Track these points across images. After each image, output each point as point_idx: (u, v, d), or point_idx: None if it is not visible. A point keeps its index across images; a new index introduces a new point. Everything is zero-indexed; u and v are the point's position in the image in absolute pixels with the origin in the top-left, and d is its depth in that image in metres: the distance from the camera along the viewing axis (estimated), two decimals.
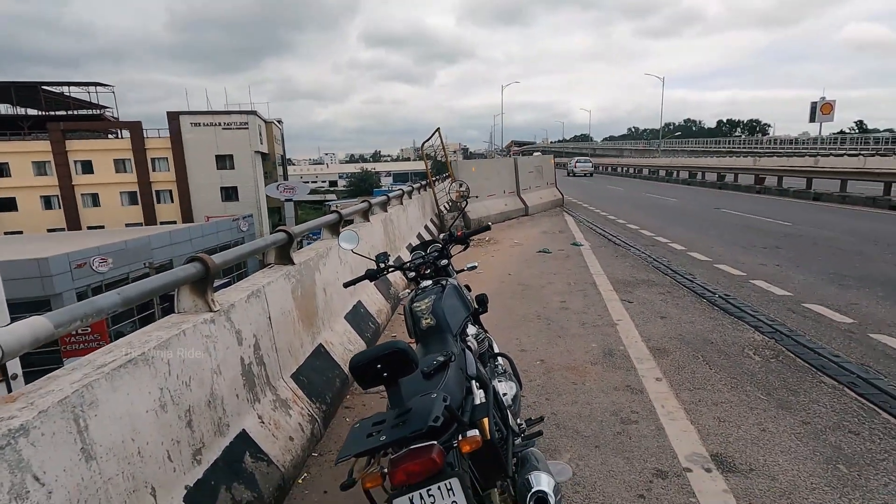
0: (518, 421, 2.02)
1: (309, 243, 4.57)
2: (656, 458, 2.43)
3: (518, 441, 1.80)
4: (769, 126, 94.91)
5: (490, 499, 1.53)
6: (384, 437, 1.29)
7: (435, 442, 1.31)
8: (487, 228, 2.99)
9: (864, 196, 13.71)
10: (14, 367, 12.08)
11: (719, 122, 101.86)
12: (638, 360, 3.58)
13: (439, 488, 1.28)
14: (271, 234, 3.01)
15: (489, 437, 1.42)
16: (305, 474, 2.48)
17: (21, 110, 42.15)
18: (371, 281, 2.53)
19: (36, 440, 1.28)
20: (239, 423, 2.21)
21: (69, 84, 41.13)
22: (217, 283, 2.33)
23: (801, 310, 4.58)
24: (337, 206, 4.64)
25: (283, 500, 2.25)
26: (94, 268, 23.46)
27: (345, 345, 3.58)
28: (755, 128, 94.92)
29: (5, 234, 35.41)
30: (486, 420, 1.45)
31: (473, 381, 1.75)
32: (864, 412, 2.75)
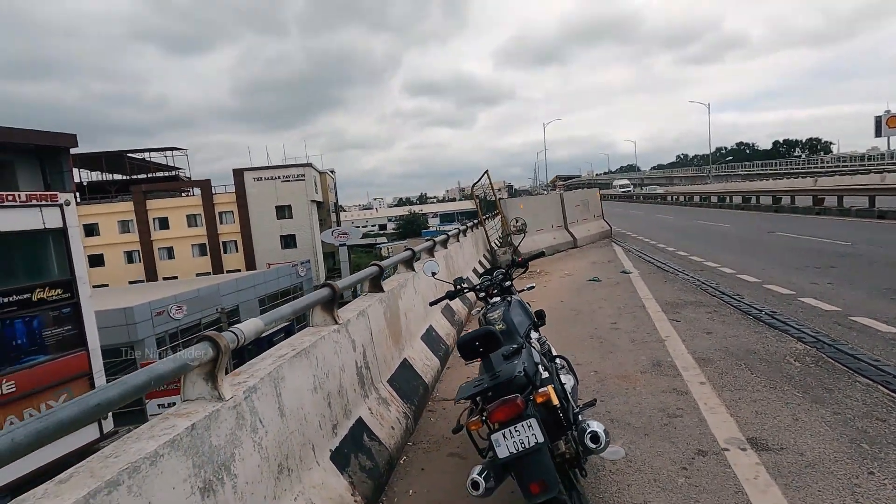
0: (576, 403, 2.56)
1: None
2: (698, 441, 2.87)
3: (576, 410, 2.34)
4: (832, 144, 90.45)
5: (558, 447, 2.09)
6: (485, 385, 1.91)
7: (518, 395, 1.91)
8: (542, 254, 3.61)
9: None
10: (107, 424, 13.45)
11: (775, 142, 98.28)
12: (684, 369, 3.99)
13: (523, 425, 1.86)
14: (367, 267, 3.75)
15: (554, 397, 2.00)
16: (405, 457, 3.09)
17: (108, 176, 47.42)
18: (451, 300, 3.19)
19: (260, 396, 1.99)
20: (357, 412, 2.87)
21: (150, 150, 45.98)
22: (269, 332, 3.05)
23: (847, 322, 4.80)
24: (389, 248, 5.39)
25: (391, 473, 2.86)
26: (171, 315, 25.63)
27: (423, 360, 4.22)
28: (816, 146, 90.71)
29: (94, 287, 39.33)
30: (552, 387, 2.04)
31: (539, 365, 2.34)
32: (892, 404, 3.06)
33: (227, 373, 1.97)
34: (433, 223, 71.76)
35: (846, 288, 6.21)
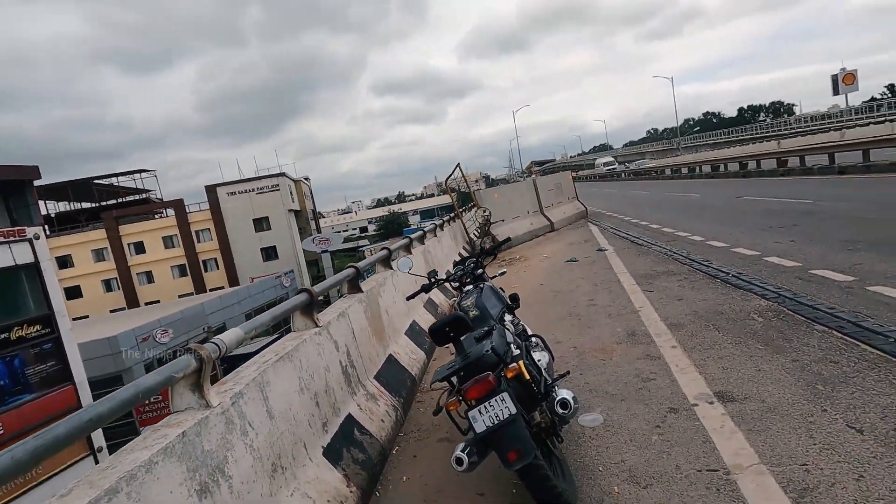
0: (550, 377, 2.72)
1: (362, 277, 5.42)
2: (670, 400, 3.05)
3: (549, 381, 2.49)
4: (794, 106, 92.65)
5: (534, 418, 2.23)
6: (457, 366, 2.04)
7: (489, 372, 2.04)
8: (508, 240, 3.75)
9: (888, 163, 13.72)
10: (98, 440, 13.33)
11: (740, 109, 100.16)
12: (657, 335, 4.18)
13: (496, 400, 2.00)
14: (344, 269, 3.85)
15: (524, 371, 2.14)
16: (397, 447, 3.21)
17: (77, 205, 46.26)
18: (426, 292, 3.31)
19: (247, 401, 2.09)
20: (346, 409, 2.98)
21: (117, 175, 44.97)
22: (255, 345, 3.15)
23: (807, 276, 5.06)
24: (372, 249, 5.50)
25: (384, 463, 2.99)
26: (157, 339, 25.29)
27: (409, 354, 4.34)
28: (779, 109, 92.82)
29: (74, 320, 38.48)
30: (521, 362, 2.18)
31: (511, 344, 2.49)
32: (845, 346, 3.28)
33: (213, 382, 2.06)
34: (414, 221, 71.75)
35: (807, 244, 6.51)
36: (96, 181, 43.58)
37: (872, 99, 56.19)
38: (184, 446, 1.69)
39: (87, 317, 36.95)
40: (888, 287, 4.27)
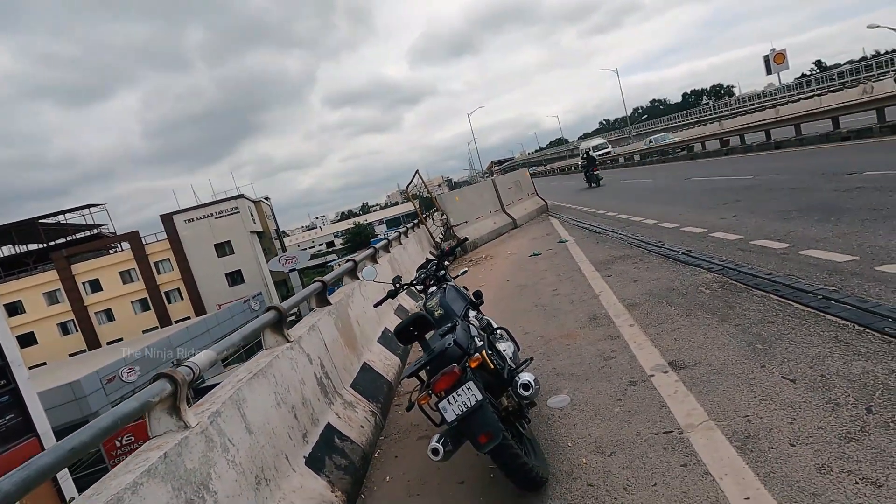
0: (515, 364, 2.88)
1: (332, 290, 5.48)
2: (629, 374, 3.27)
3: (513, 367, 2.65)
4: (733, 87, 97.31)
5: (501, 403, 2.39)
6: (423, 361, 2.17)
7: (454, 364, 2.18)
8: (465, 240, 3.92)
9: (818, 135, 14.70)
10: (70, 490, 12.78)
11: (684, 94, 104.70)
12: (616, 316, 4.43)
13: (463, 389, 2.14)
14: (310, 284, 3.92)
15: (486, 360, 2.29)
16: (378, 450, 3.31)
17: (22, 247, 43.89)
18: (392, 298, 3.43)
19: (225, 419, 2.16)
20: (324, 418, 3.06)
21: (64, 212, 42.93)
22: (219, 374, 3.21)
23: (748, 247, 5.44)
24: (340, 263, 5.57)
25: (367, 467, 3.08)
26: (123, 379, 24.28)
27: (383, 361, 4.44)
28: (720, 92, 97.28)
29: (30, 368, 36.43)
30: (483, 352, 2.33)
31: (475, 337, 2.64)
32: (780, 307, 3.60)
33: (189, 404, 2.12)
34: (380, 230, 71.40)
35: (748, 217, 6.96)
36: (42, 221, 41.48)
37: (803, 76, 59.73)
38: (166, 467, 1.75)
39: (44, 364, 35.08)
40: (817, 250, 4.66)
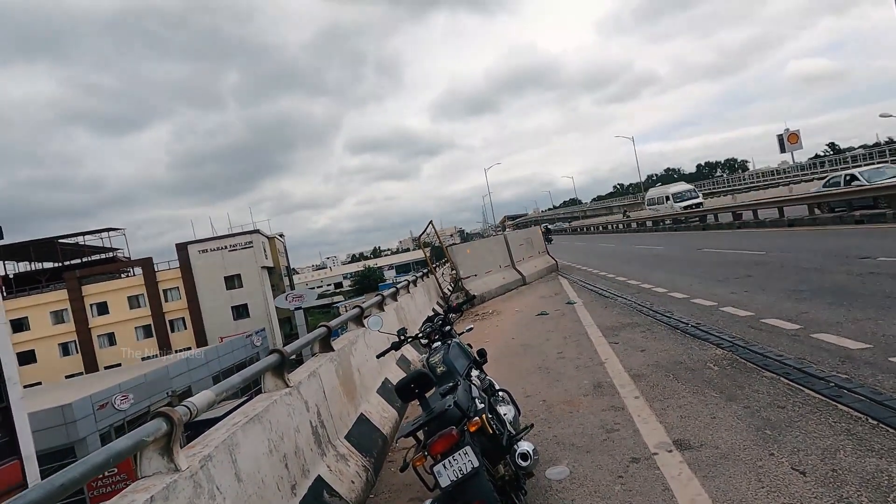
0: (516, 430, 2.81)
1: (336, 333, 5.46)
2: (632, 450, 3.16)
3: (513, 434, 2.58)
4: (747, 162, 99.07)
5: (498, 471, 2.32)
6: (421, 420, 2.13)
7: (453, 426, 2.15)
8: (473, 297, 3.96)
9: (831, 216, 14.77)
10: None
11: (698, 165, 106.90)
12: (621, 387, 4.34)
13: (460, 454, 2.09)
14: (315, 329, 3.92)
15: (486, 425, 2.25)
16: None
17: (38, 265, 44.62)
18: (396, 350, 3.41)
19: (215, 464, 2.12)
20: (315, 470, 2.98)
21: (83, 234, 43.91)
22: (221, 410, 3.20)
23: (758, 325, 5.37)
24: (346, 305, 5.59)
25: None
26: (115, 406, 23.85)
27: (380, 413, 4.35)
28: (734, 166, 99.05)
29: (25, 387, 36.02)
30: (483, 416, 2.29)
31: (476, 399, 2.60)
32: (791, 392, 3.50)
33: (182, 446, 2.09)
34: (389, 275, 71.63)
35: (759, 294, 6.91)
36: (61, 240, 42.39)
37: (816, 156, 60.76)
38: None
39: (39, 383, 34.72)
40: (830, 334, 4.58)
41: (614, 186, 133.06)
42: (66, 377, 36.34)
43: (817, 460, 2.63)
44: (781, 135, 52.23)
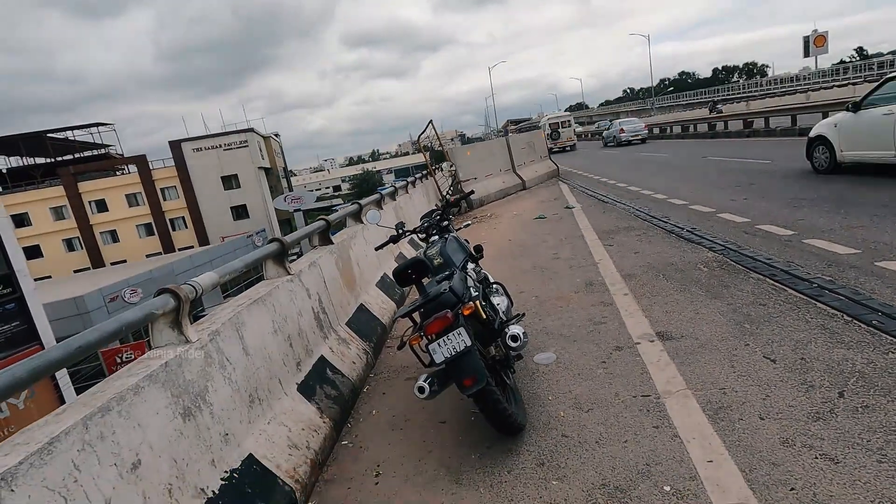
0: (507, 316, 2.96)
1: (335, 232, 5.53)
2: (616, 340, 3.36)
3: (504, 320, 2.73)
4: (767, 67, 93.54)
5: (489, 352, 2.48)
6: (418, 303, 2.24)
7: (448, 310, 2.25)
8: (471, 193, 3.92)
9: None
10: (71, 397, 13.35)
11: (714, 70, 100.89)
12: (611, 285, 4.49)
13: (454, 334, 2.22)
14: (314, 222, 3.96)
15: (479, 310, 2.36)
16: (368, 386, 3.46)
17: (30, 160, 43.80)
18: (394, 243, 3.48)
19: (223, 339, 2.25)
20: (318, 350, 3.18)
21: (72, 128, 42.49)
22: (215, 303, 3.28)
23: (753, 230, 5.43)
24: (348, 204, 5.59)
25: (355, 400, 3.23)
26: (125, 299, 24.87)
27: (379, 304, 4.54)
28: (752, 71, 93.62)
29: (36, 280, 37.22)
30: (477, 301, 2.39)
31: (471, 288, 2.70)
32: (774, 291, 3.64)
33: (191, 322, 2.21)
34: (388, 179, 70.83)
35: (759, 201, 6.89)
36: (50, 135, 41.17)
37: (841, 62, 57.16)
38: (167, 375, 1.85)
39: (49, 277, 35.85)
40: (822, 240, 4.65)
41: (624, 91, 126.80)
42: (75, 271, 37.41)
43: (788, 350, 2.80)
44: (808, 37, 48.64)
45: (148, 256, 37.71)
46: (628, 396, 2.67)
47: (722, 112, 22.16)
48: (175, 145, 39.53)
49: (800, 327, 3.04)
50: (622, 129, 26.35)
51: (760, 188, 7.87)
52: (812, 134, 8.47)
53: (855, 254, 4.12)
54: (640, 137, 25.75)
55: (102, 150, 45.60)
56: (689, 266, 4.61)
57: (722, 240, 5.23)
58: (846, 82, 33.57)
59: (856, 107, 7.40)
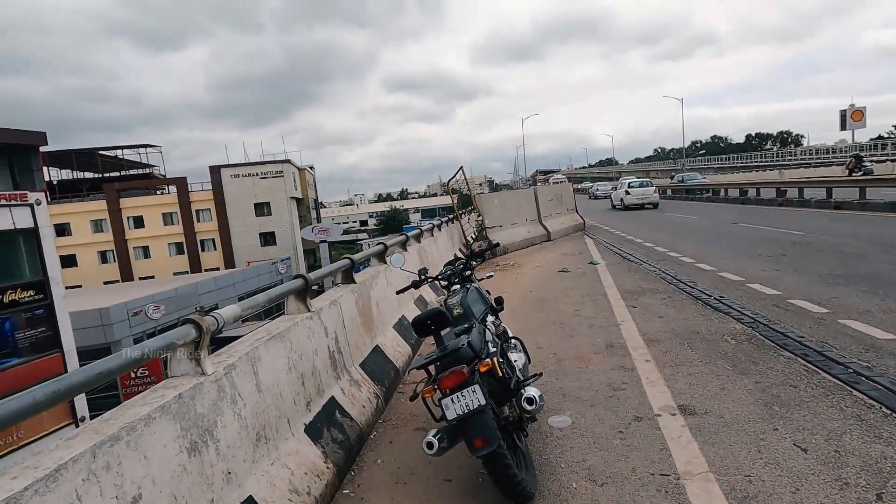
0: (524, 376, 2.89)
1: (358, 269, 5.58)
2: (636, 409, 3.23)
3: (521, 379, 2.65)
4: (802, 137, 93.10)
5: (503, 412, 2.40)
6: (434, 356, 2.21)
7: (465, 365, 2.21)
8: (497, 245, 3.93)
9: (883, 202, 13.94)
10: (82, 409, 13.46)
11: (748, 136, 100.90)
12: (633, 349, 4.36)
13: (468, 391, 2.17)
14: (339, 260, 4.01)
15: (496, 367, 2.31)
16: (375, 433, 3.38)
17: (80, 174, 46.27)
18: (416, 288, 3.48)
19: (238, 373, 2.26)
20: (330, 391, 3.15)
21: (122, 147, 44.97)
22: (235, 330, 3.31)
23: (784, 305, 5.25)
24: (370, 243, 5.67)
25: (362, 446, 3.15)
26: (148, 315, 25.35)
27: (395, 347, 4.51)
28: (787, 139, 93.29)
29: (67, 288, 38.44)
30: (494, 358, 2.35)
31: (489, 343, 2.66)
32: (806, 373, 3.47)
33: (209, 353, 2.22)
34: (415, 218, 71.89)
35: (791, 274, 6.70)
36: (101, 152, 43.60)
37: (879, 137, 56.55)
38: (179, 407, 1.85)
39: (80, 286, 36.97)
40: (858, 322, 4.46)
41: (655, 150, 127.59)
42: (105, 283, 38.53)
43: (821, 440, 2.64)
44: (845, 110, 48.54)
45: (175, 274, 38.67)
46: (646, 473, 2.54)
47: (872, 172, 18.36)
48: (214, 170, 41.24)
49: (834, 416, 2.87)
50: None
51: (792, 260, 7.67)
52: None
53: (894, 339, 3.92)
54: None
55: (147, 170, 47.92)
56: (715, 336, 4.46)
57: (751, 311, 5.07)
58: (885, 158, 33.00)
59: None
